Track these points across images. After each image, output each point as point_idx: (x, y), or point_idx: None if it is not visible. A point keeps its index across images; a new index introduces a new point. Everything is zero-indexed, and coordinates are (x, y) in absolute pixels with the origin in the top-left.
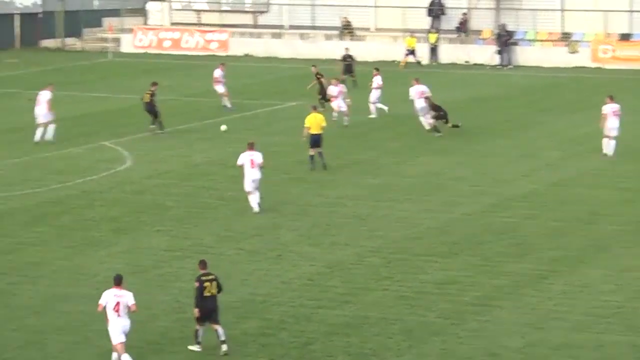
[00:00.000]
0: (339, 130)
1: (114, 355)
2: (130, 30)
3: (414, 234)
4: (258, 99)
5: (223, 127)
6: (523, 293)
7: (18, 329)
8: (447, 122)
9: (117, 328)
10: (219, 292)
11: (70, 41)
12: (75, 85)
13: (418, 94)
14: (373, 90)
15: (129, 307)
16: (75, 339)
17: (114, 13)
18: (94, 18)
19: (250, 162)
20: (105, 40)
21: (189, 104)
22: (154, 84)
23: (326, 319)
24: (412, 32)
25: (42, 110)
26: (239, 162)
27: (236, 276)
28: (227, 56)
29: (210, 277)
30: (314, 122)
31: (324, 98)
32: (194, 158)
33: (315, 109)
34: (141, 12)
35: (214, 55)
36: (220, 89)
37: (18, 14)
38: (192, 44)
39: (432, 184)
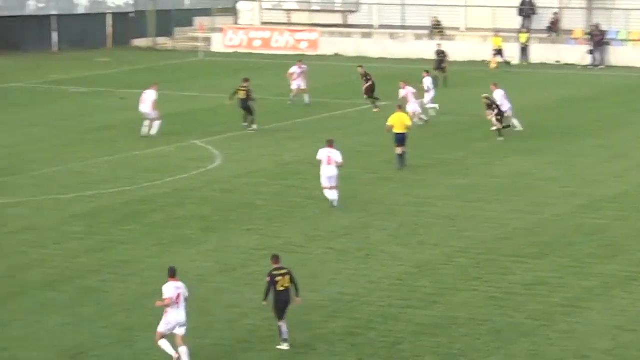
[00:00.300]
0: (426, 131)
1: (162, 342)
2: (221, 30)
3: (502, 234)
4: (347, 98)
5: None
6: (613, 295)
7: (108, 326)
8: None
9: (172, 319)
10: (296, 289)
11: (162, 40)
12: (166, 85)
13: (501, 97)
14: (425, 94)
15: (186, 298)
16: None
17: (205, 12)
18: (185, 17)
19: (327, 158)
20: (196, 39)
21: (279, 103)
22: (246, 80)
23: (414, 319)
24: (501, 32)
25: (146, 108)
26: (318, 156)
27: (325, 275)
28: (316, 56)
29: (283, 271)
30: (398, 121)
31: (371, 97)
32: (284, 157)
33: (400, 108)
34: (232, 11)
35: (303, 55)
36: (295, 85)
37: (110, 13)
38: (282, 43)
39: (521, 184)
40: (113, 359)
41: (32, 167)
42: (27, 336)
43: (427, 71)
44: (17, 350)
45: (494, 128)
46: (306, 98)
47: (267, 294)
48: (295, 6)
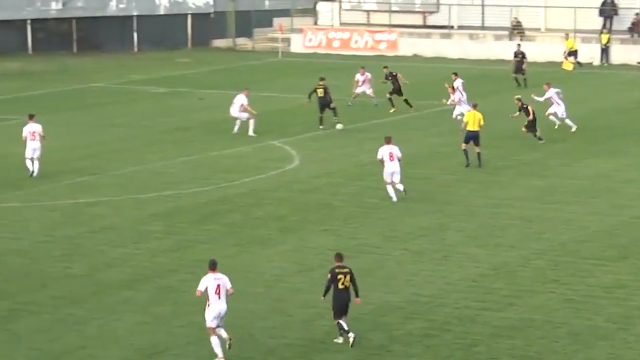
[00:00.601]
0: (503, 131)
1: (214, 339)
2: (300, 31)
3: (581, 236)
4: (425, 99)
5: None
6: None
7: (186, 325)
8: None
9: (215, 311)
10: (355, 287)
11: (241, 41)
12: (246, 85)
13: (554, 95)
14: (453, 95)
15: (227, 290)
16: (242, 336)
17: (285, 13)
18: (265, 18)
19: (389, 155)
20: (275, 40)
21: (357, 104)
22: (322, 78)
23: (491, 321)
24: (582, 32)
25: (235, 112)
26: (379, 156)
27: (401, 276)
28: (395, 56)
29: (345, 270)
30: (472, 119)
31: (394, 94)
32: (362, 158)
33: (475, 107)
34: (311, 12)
35: (382, 56)
36: (360, 90)
37: (190, 14)
38: (361, 44)
39: (600, 186)
40: (189, 359)
41: (112, 166)
42: (105, 334)
43: (455, 73)
44: (95, 348)
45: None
46: (374, 100)
47: (326, 291)
48: (375, 7)
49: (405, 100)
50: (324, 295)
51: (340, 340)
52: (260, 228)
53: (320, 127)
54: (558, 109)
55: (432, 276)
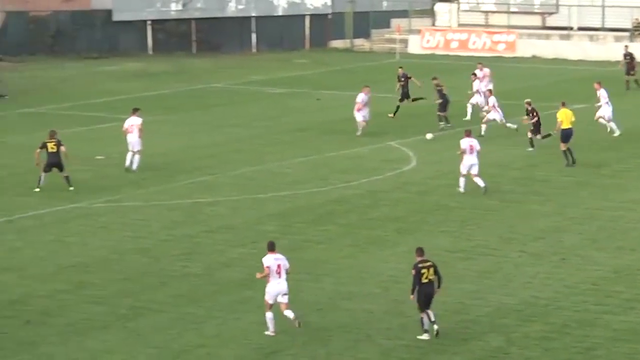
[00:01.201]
0: (623, 134)
1: (269, 314)
2: (418, 32)
3: None
4: (545, 101)
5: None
6: None
7: (302, 325)
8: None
9: (275, 289)
10: (439, 280)
11: (359, 42)
12: (362, 86)
13: (604, 97)
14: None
15: (286, 269)
16: (358, 337)
17: (402, 14)
18: (383, 19)
19: (470, 147)
20: (392, 41)
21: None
22: (435, 78)
23: (610, 325)
24: None
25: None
26: (462, 146)
27: (519, 279)
28: (513, 57)
29: (428, 263)
30: (565, 117)
31: (403, 100)
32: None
33: (564, 104)
34: (429, 13)
35: (501, 57)
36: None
37: (308, 15)
38: (479, 45)
39: None
40: (306, 359)
41: (230, 166)
42: (223, 333)
43: (476, 69)
44: (213, 347)
45: (529, 136)
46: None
47: (414, 288)
48: (493, 8)
49: (414, 99)
50: (413, 292)
51: (424, 336)
52: (376, 229)
53: (441, 123)
54: (607, 110)
55: (550, 279)
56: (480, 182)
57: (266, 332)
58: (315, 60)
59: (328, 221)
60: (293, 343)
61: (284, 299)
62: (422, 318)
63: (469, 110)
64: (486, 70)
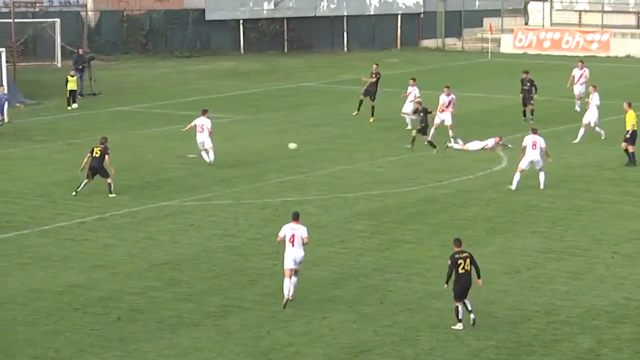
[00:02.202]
0: None
1: (287, 280)
2: (511, 31)
3: None
4: (637, 100)
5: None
6: None
7: (391, 325)
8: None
9: (290, 256)
10: (476, 269)
11: (450, 41)
12: (454, 86)
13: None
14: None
15: (302, 239)
16: (447, 337)
17: (495, 13)
18: (475, 18)
19: (532, 143)
20: (485, 40)
21: (566, 105)
22: (526, 72)
23: None
24: None
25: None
26: (524, 143)
27: (610, 280)
28: (607, 57)
29: (464, 254)
30: (633, 118)
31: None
32: (571, 160)
33: (630, 105)
34: (521, 12)
35: (594, 56)
36: (577, 89)
37: (400, 14)
38: (572, 44)
39: None
40: (395, 358)
41: (320, 165)
42: (311, 332)
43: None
44: (302, 346)
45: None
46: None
47: (448, 278)
48: (587, 7)
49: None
50: (447, 282)
51: (458, 326)
52: (467, 229)
53: (524, 118)
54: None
55: None
56: (541, 178)
57: (283, 300)
58: (406, 60)
59: (418, 221)
60: (382, 342)
61: (295, 266)
62: (457, 307)
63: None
64: (586, 71)
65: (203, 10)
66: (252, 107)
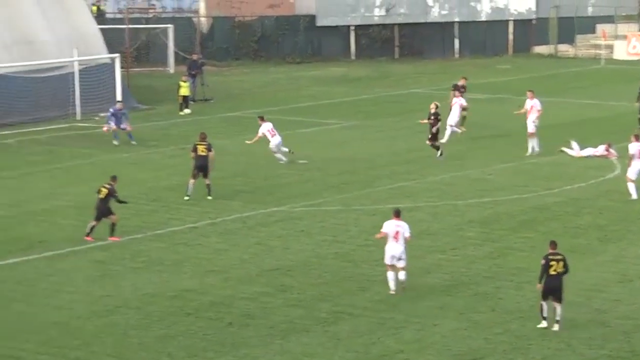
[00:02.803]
0: None
1: (390, 274)
2: (624, 37)
3: None
4: None
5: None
6: None
7: (503, 332)
8: None
9: (391, 252)
10: (565, 272)
11: (563, 47)
12: (567, 92)
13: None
14: None
15: (405, 237)
16: (559, 346)
17: (608, 19)
18: (588, 24)
19: (638, 152)
20: (598, 47)
21: None
22: None
23: None
24: None
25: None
26: (630, 151)
27: None
28: None
29: (558, 256)
30: None
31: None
32: None
33: None
34: (635, 18)
35: None
36: None
37: (512, 20)
38: None
39: None
40: None
41: (430, 172)
42: (422, 339)
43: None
44: (412, 353)
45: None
46: None
47: (541, 277)
48: None
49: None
50: (540, 282)
51: (543, 324)
52: (579, 237)
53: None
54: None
55: None
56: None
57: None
58: (518, 66)
59: (529, 228)
60: (493, 350)
61: (399, 263)
62: (541, 305)
63: None
64: None
65: (314, 17)
66: (362, 113)
